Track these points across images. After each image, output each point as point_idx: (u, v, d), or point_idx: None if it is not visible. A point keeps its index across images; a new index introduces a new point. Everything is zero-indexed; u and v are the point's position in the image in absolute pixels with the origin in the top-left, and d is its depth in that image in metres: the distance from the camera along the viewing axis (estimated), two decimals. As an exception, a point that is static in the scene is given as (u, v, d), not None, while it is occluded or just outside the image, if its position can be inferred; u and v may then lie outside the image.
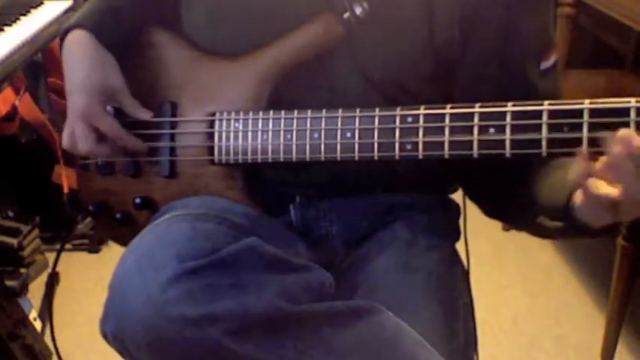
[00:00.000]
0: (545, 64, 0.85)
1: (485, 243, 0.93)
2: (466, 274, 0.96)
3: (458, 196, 1.02)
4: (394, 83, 0.85)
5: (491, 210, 0.93)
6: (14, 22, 1.62)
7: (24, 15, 1.66)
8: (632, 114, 0.65)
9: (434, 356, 0.77)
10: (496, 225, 2.21)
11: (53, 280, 1.11)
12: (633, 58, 2.21)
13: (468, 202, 0.97)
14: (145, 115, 0.91)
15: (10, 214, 2.08)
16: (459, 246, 0.98)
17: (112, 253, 2.11)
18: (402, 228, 0.92)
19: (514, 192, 0.84)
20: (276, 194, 0.92)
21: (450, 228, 0.98)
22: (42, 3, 1.76)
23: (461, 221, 1.01)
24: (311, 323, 0.71)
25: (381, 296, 0.82)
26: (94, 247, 2.21)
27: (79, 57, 0.90)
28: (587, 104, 0.67)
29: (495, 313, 1.89)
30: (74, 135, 0.89)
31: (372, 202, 0.93)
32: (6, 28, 1.57)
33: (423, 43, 0.84)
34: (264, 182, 0.91)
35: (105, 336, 0.72)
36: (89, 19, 0.91)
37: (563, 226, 0.74)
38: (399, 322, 0.77)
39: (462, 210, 1.00)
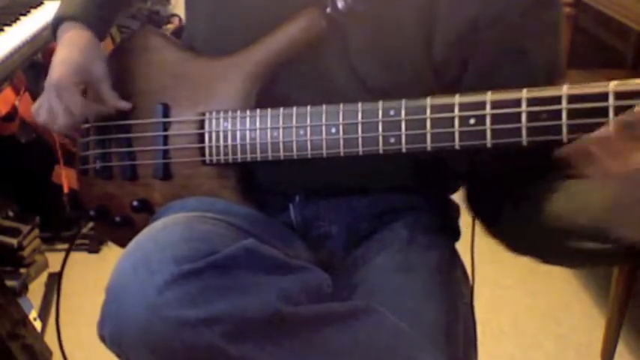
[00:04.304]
0: None
1: (485, 243, 0.93)
2: (466, 274, 0.96)
3: (458, 197, 1.02)
4: (390, 91, 0.84)
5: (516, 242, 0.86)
6: (14, 22, 1.62)
7: (24, 15, 1.67)
8: (611, 99, 0.65)
9: (433, 357, 0.77)
10: (496, 225, 2.21)
11: (59, 280, 1.11)
12: (633, 58, 2.22)
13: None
14: (123, 104, 0.93)
15: (10, 214, 2.08)
16: (460, 246, 0.98)
17: (112, 253, 2.10)
18: (401, 228, 0.92)
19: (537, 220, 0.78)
20: (275, 193, 0.92)
21: (449, 228, 0.98)
22: (42, 3, 1.76)
23: (461, 222, 1.01)
24: (309, 325, 0.71)
25: (380, 296, 0.82)
26: (94, 247, 2.21)
27: (72, 41, 0.93)
28: (565, 90, 0.67)
29: (495, 313, 1.89)
30: (49, 107, 0.91)
31: (372, 202, 0.93)
32: (6, 28, 1.58)
33: (419, 54, 0.84)
34: (262, 181, 0.91)
35: (102, 339, 0.72)
36: (84, 12, 0.95)
37: (599, 247, 0.70)
38: (398, 322, 0.77)
39: (465, 210, 0.99)
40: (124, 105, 0.93)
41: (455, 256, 0.96)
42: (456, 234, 0.99)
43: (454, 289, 0.90)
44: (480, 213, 0.89)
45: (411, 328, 0.77)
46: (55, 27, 0.96)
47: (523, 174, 0.80)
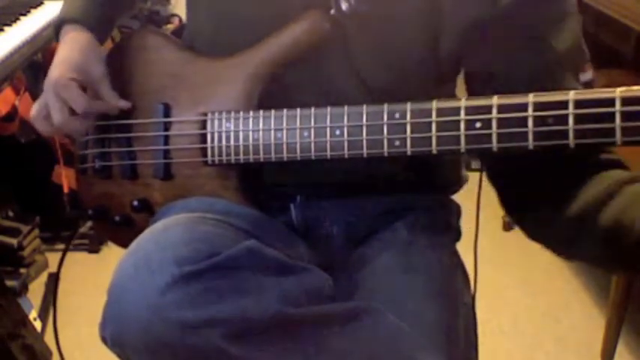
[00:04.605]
0: (584, 77, 0.82)
1: (485, 243, 0.94)
2: (466, 274, 0.96)
3: (458, 197, 1.02)
4: (391, 91, 0.84)
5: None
6: (14, 22, 1.62)
7: (24, 15, 1.67)
8: (617, 104, 0.65)
9: (433, 357, 0.77)
10: (497, 225, 2.21)
11: (57, 280, 1.11)
12: (633, 58, 2.22)
13: (467, 203, 0.96)
14: (123, 104, 0.93)
15: (10, 214, 2.09)
16: (461, 246, 0.98)
17: (112, 253, 2.10)
18: (402, 228, 0.92)
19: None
20: (277, 194, 0.92)
21: (450, 228, 0.98)
22: (42, 3, 1.76)
23: (461, 222, 1.01)
24: (310, 326, 0.71)
25: (381, 296, 0.82)
26: (94, 247, 2.21)
27: (72, 43, 0.93)
28: (571, 96, 0.67)
29: (495, 313, 1.89)
30: (47, 107, 0.90)
31: (373, 203, 0.93)
32: (6, 28, 1.58)
33: (423, 55, 0.84)
34: (263, 182, 0.91)
35: (104, 340, 0.72)
36: (85, 15, 0.95)
37: None
38: (398, 323, 0.77)
39: (466, 211, 0.99)
40: (124, 104, 0.93)
41: (455, 256, 0.96)
42: (456, 234, 0.99)
43: (454, 289, 0.90)
44: (517, 218, 0.87)
45: (411, 329, 0.77)
46: (57, 28, 0.96)
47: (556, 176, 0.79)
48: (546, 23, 0.81)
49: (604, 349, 1.68)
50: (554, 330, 1.86)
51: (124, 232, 0.95)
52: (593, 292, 1.98)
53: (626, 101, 0.65)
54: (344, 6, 0.82)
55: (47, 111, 0.90)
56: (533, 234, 0.85)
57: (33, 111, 0.92)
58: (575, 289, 2.00)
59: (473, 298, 0.94)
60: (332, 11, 0.83)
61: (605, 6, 1.80)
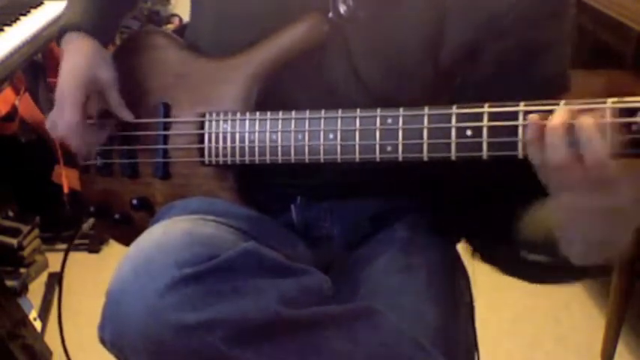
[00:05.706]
0: None
1: (485, 243, 0.94)
2: (466, 274, 0.96)
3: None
4: (391, 95, 0.84)
5: (483, 250, 0.90)
6: (14, 22, 1.62)
7: (24, 15, 1.67)
8: (608, 115, 0.64)
9: (433, 357, 0.77)
10: (496, 225, 2.21)
11: (60, 280, 1.11)
12: (633, 58, 2.21)
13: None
14: (127, 116, 0.93)
15: (10, 214, 2.08)
16: (461, 246, 0.98)
17: (112, 253, 2.11)
18: (402, 229, 0.92)
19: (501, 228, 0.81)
20: (277, 194, 0.92)
21: (450, 229, 0.98)
22: (42, 3, 1.76)
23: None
24: (310, 327, 0.71)
25: (381, 297, 0.82)
26: (94, 247, 2.21)
27: (77, 50, 0.93)
28: (563, 104, 0.67)
29: (495, 313, 1.89)
30: (54, 117, 0.91)
31: (373, 203, 0.93)
32: (6, 28, 1.58)
33: (423, 59, 0.84)
34: (263, 183, 0.91)
35: (103, 341, 0.72)
36: (87, 20, 0.95)
37: (547, 260, 0.73)
38: (398, 323, 0.77)
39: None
40: (128, 116, 0.93)
41: (456, 256, 0.96)
42: (456, 235, 0.99)
43: (455, 289, 0.90)
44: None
45: (411, 329, 0.77)
46: (60, 37, 0.96)
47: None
48: (538, 44, 0.81)
49: (604, 349, 1.68)
50: (554, 330, 1.85)
51: (123, 230, 0.96)
52: (593, 292, 1.98)
53: (616, 112, 0.64)
54: (342, 9, 0.82)
55: (54, 119, 0.91)
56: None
57: (47, 122, 0.94)
58: (575, 289, 2.00)
59: (471, 297, 0.94)
60: (330, 14, 0.83)
61: (605, 6, 1.80)
